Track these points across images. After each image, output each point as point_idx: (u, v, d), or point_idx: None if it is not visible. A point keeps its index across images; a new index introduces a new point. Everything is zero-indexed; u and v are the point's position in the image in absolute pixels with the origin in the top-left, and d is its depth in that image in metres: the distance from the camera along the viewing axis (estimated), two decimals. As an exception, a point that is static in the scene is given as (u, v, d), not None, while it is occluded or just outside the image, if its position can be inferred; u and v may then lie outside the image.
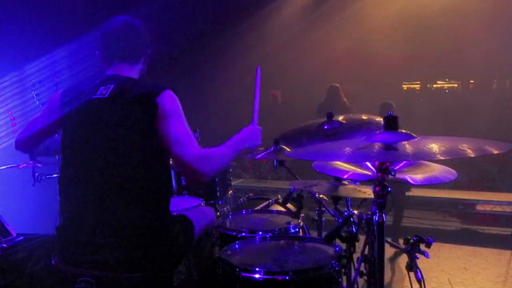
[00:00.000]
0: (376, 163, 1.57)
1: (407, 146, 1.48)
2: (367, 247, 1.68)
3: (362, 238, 1.71)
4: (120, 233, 1.62)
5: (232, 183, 3.20)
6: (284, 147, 2.69)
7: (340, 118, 2.70)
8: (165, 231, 1.72)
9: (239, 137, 1.94)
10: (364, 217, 1.66)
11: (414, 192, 5.52)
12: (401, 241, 1.73)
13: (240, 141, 1.92)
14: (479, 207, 5.66)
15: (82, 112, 1.72)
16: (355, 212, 1.84)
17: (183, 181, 3.00)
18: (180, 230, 1.82)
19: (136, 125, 1.64)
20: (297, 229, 2.20)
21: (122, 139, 1.64)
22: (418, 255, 1.66)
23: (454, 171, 1.76)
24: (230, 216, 2.48)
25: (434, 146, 1.46)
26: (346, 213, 2.11)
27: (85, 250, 1.61)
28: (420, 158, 1.58)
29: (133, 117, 1.64)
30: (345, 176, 1.97)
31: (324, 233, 2.10)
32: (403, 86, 10.59)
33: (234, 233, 2.11)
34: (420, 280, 1.65)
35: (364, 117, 2.52)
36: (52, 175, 3.67)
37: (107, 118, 1.66)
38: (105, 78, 1.77)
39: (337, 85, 6.52)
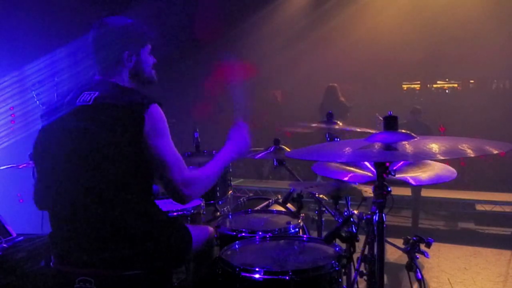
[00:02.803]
0: (376, 163, 1.57)
1: (407, 146, 1.48)
2: (367, 247, 1.68)
3: (362, 238, 1.71)
4: (116, 230, 1.62)
5: (232, 183, 3.20)
6: (284, 147, 2.70)
7: (339, 122, 2.72)
8: (160, 230, 1.71)
9: (228, 149, 1.92)
10: (364, 217, 1.66)
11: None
12: (401, 241, 1.73)
13: (229, 154, 1.91)
14: (479, 207, 5.66)
15: (65, 120, 1.68)
16: (355, 212, 1.84)
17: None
18: (176, 232, 1.81)
19: (121, 133, 1.61)
20: (297, 229, 2.20)
21: (109, 144, 1.61)
22: (418, 255, 1.66)
23: (454, 169, 1.76)
24: (230, 216, 2.47)
25: (434, 146, 1.46)
26: (346, 213, 2.11)
27: (83, 250, 1.61)
28: (420, 158, 1.59)
29: (119, 125, 1.61)
30: (346, 178, 1.97)
31: (324, 233, 2.09)
32: (403, 86, 10.58)
33: (234, 233, 2.11)
34: (420, 280, 1.65)
35: (358, 129, 2.54)
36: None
37: (92, 125, 1.63)
38: (91, 84, 1.74)
39: (335, 84, 6.56)
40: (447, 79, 10.62)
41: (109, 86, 1.72)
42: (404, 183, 1.77)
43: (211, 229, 2.16)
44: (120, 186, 1.62)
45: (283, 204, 2.70)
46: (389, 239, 1.80)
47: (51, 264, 1.70)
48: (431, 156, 1.42)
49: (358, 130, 2.59)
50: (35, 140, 1.74)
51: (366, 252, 1.68)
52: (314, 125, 2.84)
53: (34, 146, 1.74)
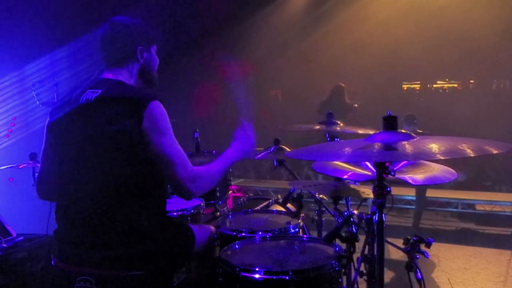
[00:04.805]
0: (376, 163, 1.57)
1: (407, 146, 1.48)
2: (367, 247, 1.68)
3: (362, 238, 1.71)
4: (118, 231, 1.62)
5: (232, 183, 3.20)
6: (284, 147, 2.69)
7: (340, 123, 2.72)
8: (164, 230, 1.72)
9: (233, 149, 1.96)
10: (364, 217, 1.66)
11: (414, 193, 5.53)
12: (401, 241, 1.73)
13: (234, 153, 1.94)
14: (479, 207, 5.66)
15: (69, 118, 1.70)
16: (355, 212, 1.84)
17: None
18: (179, 232, 1.82)
19: (121, 129, 1.61)
20: (297, 229, 2.20)
21: (112, 143, 1.62)
22: (418, 255, 1.66)
23: (454, 171, 1.76)
24: (230, 216, 2.47)
25: (434, 146, 1.46)
26: (346, 213, 2.11)
27: (84, 249, 1.62)
28: (420, 158, 1.58)
29: (118, 120, 1.62)
30: (345, 176, 1.97)
31: (324, 233, 2.09)
32: (403, 86, 10.59)
33: (234, 233, 2.11)
34: (420, 280, 1.65)
35: (360, 131, 2.54)
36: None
37: (93, 123, 1.65)
38: (96, 82, 1.75)
39: (343, 84, 6.48)
40: (447, 79, 10.62)
41: (113, 84, 1.73)
42: (403, 183, 1.77)
43: (212, 228, 2.16)
44: (125, 185, 1.63)
45: (283, 204, 2.70)
46: (389, 239, 1.80)
47: (52, 263, 1.70)
48: (431, 156, 1.42)
49: (360, 132, 2.60)
50: (45, 134, 1.80)
51: (366, 252, 1.68)
52: (317, 127, 2.85)
53: (45, 139, 1.80)
